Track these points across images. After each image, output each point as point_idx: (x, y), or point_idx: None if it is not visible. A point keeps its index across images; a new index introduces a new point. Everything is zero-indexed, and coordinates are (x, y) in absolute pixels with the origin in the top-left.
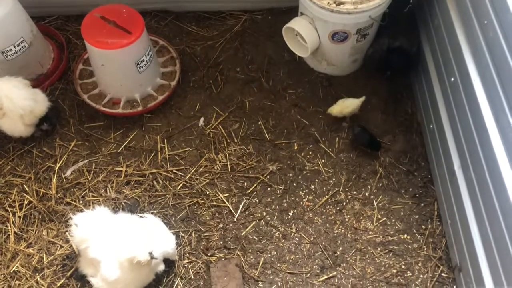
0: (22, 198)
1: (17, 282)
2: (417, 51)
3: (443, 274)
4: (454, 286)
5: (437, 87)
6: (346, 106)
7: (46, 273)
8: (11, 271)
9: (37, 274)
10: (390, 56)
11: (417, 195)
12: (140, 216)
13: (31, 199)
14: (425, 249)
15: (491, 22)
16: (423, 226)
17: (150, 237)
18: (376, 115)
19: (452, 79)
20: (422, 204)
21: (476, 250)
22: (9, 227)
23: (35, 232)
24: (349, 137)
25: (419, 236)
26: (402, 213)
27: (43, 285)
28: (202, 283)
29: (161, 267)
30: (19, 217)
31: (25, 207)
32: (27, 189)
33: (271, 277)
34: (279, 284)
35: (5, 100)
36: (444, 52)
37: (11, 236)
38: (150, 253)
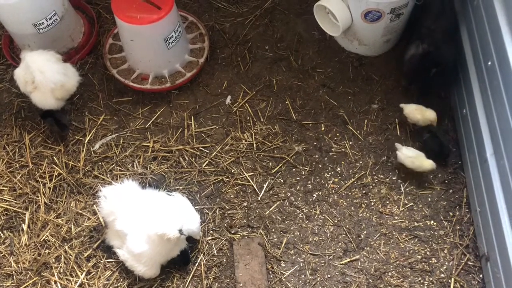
0: (52, 169)
1: (47, 250)
2: (454, 61)
3: (469, 263)
4: (481, 275)
5: (472, 70)
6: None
7: (74, 243)
8: (41, 240)
9: (65, 244)
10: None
11: (446, 181)
12: (168, 193)
13: (61, 171)
14: (452, 236)
15: None
16: (450, 213)
17: (178, 214)
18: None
19: (489, 63)
20: (451, 191)
21: (506, 241)
22: (40, 197)
23: (64, 203)
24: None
25: (446, 223)
26: (429, 199)
27: (71, 255)
28: (225, 260)
29: (184, 244)
30: (49, 188)
31: (55, 179)
32: (57, 161)
33: (293, 257)
34: (301, 265)
35: (37, 74)
36: (482, 34)
37: (41, 206)
38: (180, 230)
